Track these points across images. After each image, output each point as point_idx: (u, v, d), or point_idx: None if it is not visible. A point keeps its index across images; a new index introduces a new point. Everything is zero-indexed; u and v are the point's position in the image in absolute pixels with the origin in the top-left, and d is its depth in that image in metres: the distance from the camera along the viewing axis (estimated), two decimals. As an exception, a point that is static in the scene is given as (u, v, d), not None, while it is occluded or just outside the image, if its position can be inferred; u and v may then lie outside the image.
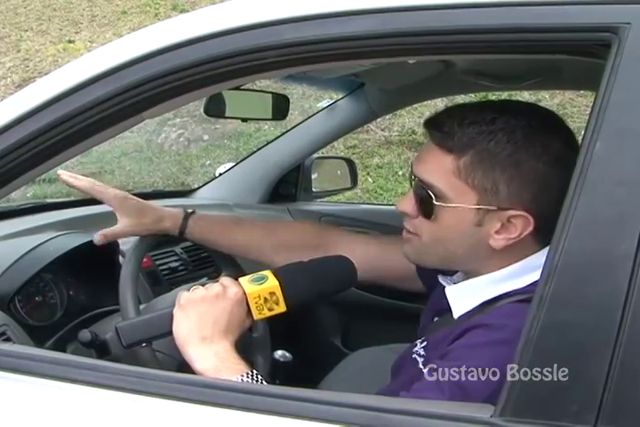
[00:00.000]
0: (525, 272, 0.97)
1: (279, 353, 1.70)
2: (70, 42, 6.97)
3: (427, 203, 0.98)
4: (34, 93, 0.97)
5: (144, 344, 1.06)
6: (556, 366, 0.71)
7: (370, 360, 1.71)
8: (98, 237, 1.36)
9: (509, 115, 0.97)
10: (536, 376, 0.71)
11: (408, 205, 1.02)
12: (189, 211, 1.36)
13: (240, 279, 1.06)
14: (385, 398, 0.91)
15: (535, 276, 0.93)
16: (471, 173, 0.95)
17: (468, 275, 1.05)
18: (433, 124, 0.99)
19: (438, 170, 0.97)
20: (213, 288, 1.04)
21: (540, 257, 0.96)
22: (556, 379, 0.71)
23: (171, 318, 1.04)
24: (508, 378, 0.73)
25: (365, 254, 1.28)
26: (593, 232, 0.72)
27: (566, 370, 0.71)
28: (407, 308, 2.06)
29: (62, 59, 6.51)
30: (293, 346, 1.80)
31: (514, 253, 0.98)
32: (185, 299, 1.04)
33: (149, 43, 0.93)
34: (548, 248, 0.95)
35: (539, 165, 0.94)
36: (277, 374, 1.47)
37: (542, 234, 0.96)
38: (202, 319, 1.01)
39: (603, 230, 0.72)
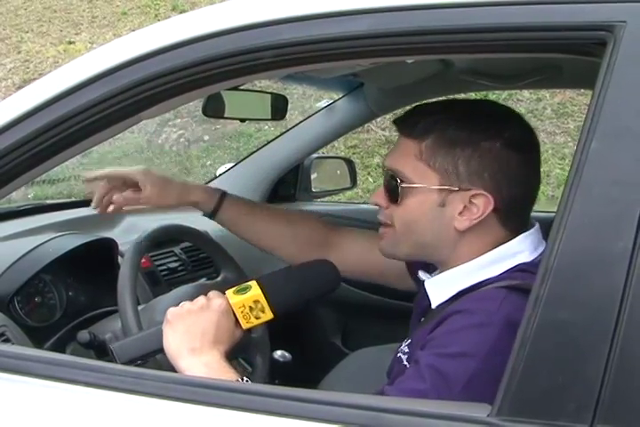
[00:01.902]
0: (498, 261, 1.01)
1: (279, 353, 1.70)
2: (70, 43, 6.97)
3: (393, 188, 1.05)
4: (32, 94, 0.97)
5: (139, 362, 1.07)
6: (552, 364, 0.71)
7: (370, 360, 1.71)
8: (120, 198, 1.34)
9: (466, 105, 1.10)
10: (533, 375, 0.72)
11: (379, 196, 1.09)
12: (223, 191, 1.36)
13: (226, 291, 1.08)
14: (383, 398, 0.91)
15: (508, 264, 1.00)
16: (432, 155, 1.01)
17: (444, 268, 1.07)
18: (400, 119, 1.09)
19: (403, 156, 1.04)
20: (198, 301, 1.07)
21: (512, 246, 1.02)
22: (552, 378, 0.71)
23: (161, 334, 1.06)
24: (505, 377, 0.73)
25: (362, 253, 1.32)
26: (589, 231, 0.72)
27: (563, 369, 0.71)
28: (407, 307, 2.05)
29: (63, 60, 6.51)
30: (293, 346, 1.80)
31: (480, 237, 1.03)
32: (171, 314, 1.06)
33: (147, 43, 0.93)
34: (519, 237, 1.02)
35: (495, 145, 1.00)
36: (277, 374, 1.47)
37: (506, 217, 1.02)
38: (189, 332, 1.04)
39: (599, 229, 0.72)
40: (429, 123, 1.02)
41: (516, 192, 1.02)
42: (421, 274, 1.13)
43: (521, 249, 1.01)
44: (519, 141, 1.02)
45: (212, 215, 1.36)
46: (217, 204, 1.34)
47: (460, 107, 1.09)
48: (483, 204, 1.00)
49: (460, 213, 1.01)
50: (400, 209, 1.05)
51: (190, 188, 1.36)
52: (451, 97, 2.07)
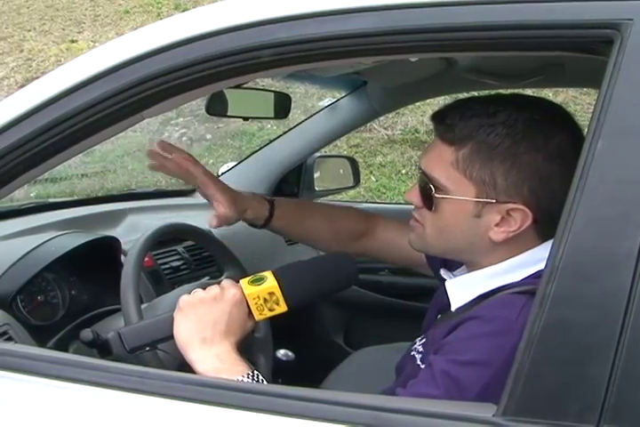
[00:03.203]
0: (522, 266, 0.99)
1: (282, 352, 1.70)
2: (73, 42, 6.97)
3: (427, 194, 1.01)
4: (34, 92, 0.97)
5: (147, 348, 1.07)
6: (558, 365, 0.71)
7: (372, 359, 1.71)
8: (213, 222, 1.27)
9: (513, 108, 0.97)
10: (538, 375, 0.71)
11: (414, 194, 1.05)
12: (269, 198, 1.34)
13: (240, 281, 1.06)
14: (388, 398, 0.91)
15: (531, 270, 0.97)
16: (469, 165, 0.96)
17: (470, 268, 1.06)
18: (438, 117, 1.02)
19: (439, 162, 0.99)
20: (212, 290, 1.05)
21: (537, 252, 0.99)
22: (558, 378, 0.71)
23: (172, 321, 1.04)
24: (510, 377, 0.72)
25: (393, 240, 1.32)
26: (595, 231, 0.72)
27: (569, 369, 0.71)
28: (410, 306, 2.07)
29: (65, 58, 6.50)
30: (296, 345, 1.80)
31: (515, 246, 1.00)
32: (184, 302, 1.04)
33: (148, 42, 0.93)
34: (545, 243, 0.98)
35: (538, 158, 0.95)
36: (280, 373, 1.47)
37: (543, 228, 0.98)
38: (201, 321, 1.02)
39: (605, 229, 0.71)
40: (469, 128, 0.96)
41: (556, 205, 0.93)
42: (443, 273, 1.11)
43: (545, 255, 0.96)
44: (565, 152, 0.94)
45: (261, 227, 1.33)
46: (268, 217, 1.31)
47: (505, 108, 0.97)
48: (520, 218, 0.96)
49: (497, 225, 0.97)
50: (433, 215, 1.02)
51: (246, 207, 1.29)
52: (452, 97, 2.07)
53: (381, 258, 1.41)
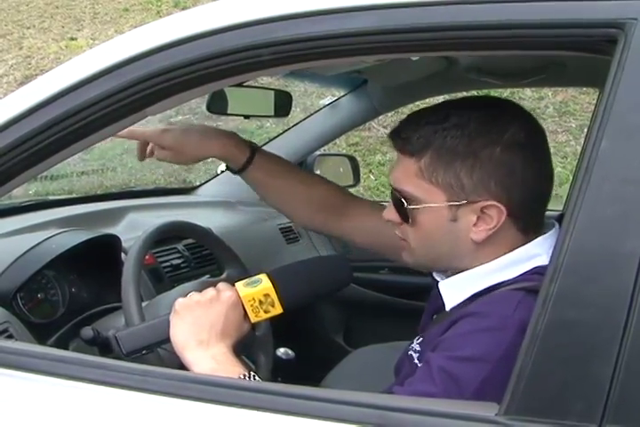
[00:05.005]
0: (515, 264, 0.99)
1: (282, 351, 1.70)
2: (72, 39, 6.96)
3: (402, 209, 1.02)
4: (36, 90, 0.97)
5: (144, 352, 1.07)
6: (561, 364, 0.71)
7: (372, 358, 1.71)
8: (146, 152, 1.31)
9: (463, 109, 1.00)
10: (541, 374, 0.71)
11: (391, 213, 1.06)
12: (255, 146, 1.31)
13: (236, 284, 1.07)
14: (390, 397, 0.91)
15: (525, 267, 0.98)
16: (433, 172, 0.98)
17: (459, 271, 1.05)
18: (394, 133, 1.04)
19: (405, 175, 1.01)
20: (207, 293, 1.05)
21: (529, 248, 1.00)
22: (561, 377, 0.71)
23: (168, 324, 1.05)
24: (513, 376, 0.72)
25: (377, 226, 1.26)
26: (598, 230, 0.72)
27: (572, 368, 0.71)
28: (409, 305, 2.07)
29: (64, 56, 6.49)
30: (296, 344, 1.80)
31: (498, 243, 1.00)
32: (180, 305, 1.05)
33: (149, 40, 0.92)
34: (537, 240, 0.99)
35: (497, 151, 0.96)
36: (280, 371, 1.47)
37: (522, 221, 0.99)
38: (197, 324, 1.02)
39: (608, 229, 0.71)
40: (424, 136, 0.98)
41: (528, 195, 0.98)
42: (435, 274, 1.11)
43: (538, 252, 0.98)
44: (521, 141, 0.97)
45: (237, 172, 1.30)
46: (248, 159, 1.28)
47: (457, 111, 1.00)
48: (496, 214, 0.97)
49: (475, 225, 0.98)
50: (412, 228, 1.02)
51: (212, 145, 1.27)
52: (452, 96, 2.07)
53: (364, 244, 1.35)
